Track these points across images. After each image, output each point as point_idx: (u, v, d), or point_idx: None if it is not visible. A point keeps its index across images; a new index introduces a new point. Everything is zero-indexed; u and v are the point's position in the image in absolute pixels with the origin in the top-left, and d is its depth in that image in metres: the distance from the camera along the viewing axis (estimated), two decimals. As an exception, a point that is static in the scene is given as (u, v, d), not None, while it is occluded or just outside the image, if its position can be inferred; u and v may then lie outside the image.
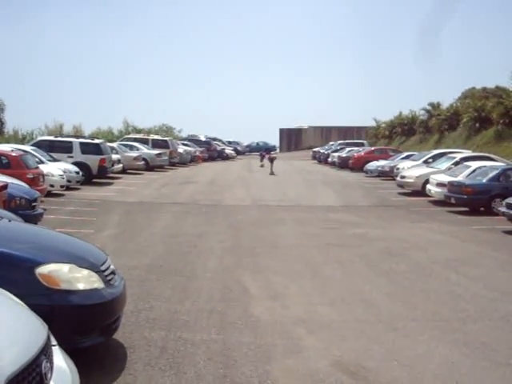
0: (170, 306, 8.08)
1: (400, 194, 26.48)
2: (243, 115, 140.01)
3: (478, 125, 39.56)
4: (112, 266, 6.08)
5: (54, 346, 3.50)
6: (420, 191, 25.10)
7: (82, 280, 5.44)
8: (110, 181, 28.36)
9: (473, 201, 20.05)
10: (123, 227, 15.41)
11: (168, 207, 20.14)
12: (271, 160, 39.60)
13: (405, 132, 56.36)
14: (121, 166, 30.81)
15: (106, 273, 5.81)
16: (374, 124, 65.84)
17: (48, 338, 3.42)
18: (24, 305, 3.89)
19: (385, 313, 8.07)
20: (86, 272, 5.51)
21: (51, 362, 3.30)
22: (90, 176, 26.72)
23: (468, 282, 10.09)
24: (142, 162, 34.50)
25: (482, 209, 20.12)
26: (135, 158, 33.87)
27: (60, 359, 3.53)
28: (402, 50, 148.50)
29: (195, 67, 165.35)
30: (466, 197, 20.01)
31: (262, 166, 43.04)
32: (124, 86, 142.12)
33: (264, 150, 48.19)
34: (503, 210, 16.53)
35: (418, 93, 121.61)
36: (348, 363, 6.06)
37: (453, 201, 20.67)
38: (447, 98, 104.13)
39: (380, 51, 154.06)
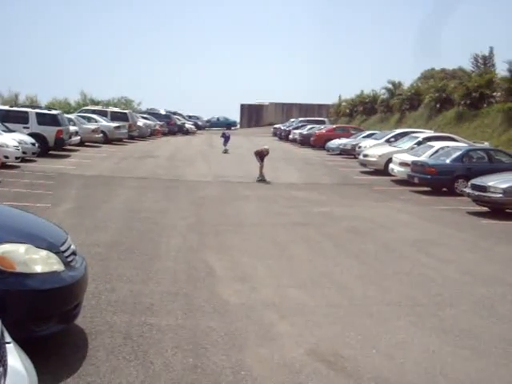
0: (132, 287, 7.61)
1: (362, 172, 26.32)
2: (204, 90, 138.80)
3: (439, 105, 39.68)
4: (73, 246, 5.54)
5: (7, 343, 3.02)
6: (382, 170, 24.97)
7: (40, 262, 4.90)
8: (67, 153, 27.46)
9: (436, 181, 19.97)
10: (81, 202, 14.79)
11: (128, 181, 19.54)
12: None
13: (366, 111, 56.37)
14: (78, 138, 29.84)
15: (66, 254, 5.27)
16: (334, 102, 65.75)
17: (1, 336, 2.95)
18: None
19: (358, 297, 7.77)
20: (44, 253, 4.97)
21: (4, 365, 2.82)
22: (47, 148, 25.78)
23: (439, 264, 9.87)
24: (101, 135, 33.51)
25: (444, 189, 20.06)
26: (93, 131, 32.88)
27: (15, 359, 3.04)
28: (363, 28, 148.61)
29: (155, 39, 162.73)
30: (429, 177, 19.91)
31: (225, 151, 33.85)
32: (81, 56, 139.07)
33: (226, 128, 42.71)
34: (468, 191, 16.44)
35: (380, 72, 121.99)
36: (325, 352, 5.72)
37: (416, 180, 20.56)
38: (408, 79, 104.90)
39: (341, 29, 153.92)
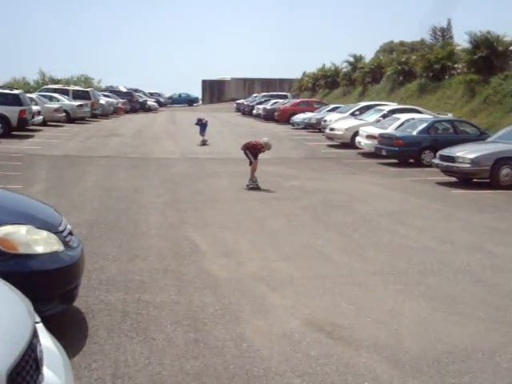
0: (120, 265, 7.61)
1: (329, 146, 26.50)
2: (165, 66, 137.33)
3: (401, 78, 40.00)
4: (69, 226, 5.52)
5: (37, 323, 3.02)
6: (349, 143, 25.18)
7: (42, 242, 4.87)
8: (31, 133, 26.97)
9: (404, 153, 20.23)
10: (53, 182, 14.61)
11: (96, 161, 19.35)
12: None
13: (328, 84, 56.49)
14: (41, 117, 29.29)
15: (64, 234, 5.25)
16: (297, 77, 65.76)
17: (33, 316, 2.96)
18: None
19: (343, 267, 7.90)
20: (44, 234, 4.94)
21: (40, 344, 2.83)
22: (10, 128, 25.29)
23: (417, 234, 10.08)
24: (63, 114, 32.97)
25: (411, 161, 20.36)
26: (56, 110, 32.30)
27: (46, 338, 3.06)
28: (323, 2, 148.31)
29: (112, 16, 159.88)
30: (397, 149, 20.15)
31: (203, 142, 25.06)
32: (37, 34, 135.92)
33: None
34: (437, 161, 16.74)
35: (341, 46, 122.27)
36: (321, 322, 5.83)
37: (383, 153, 20.80)
38: (368, 52, 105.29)
39: (301, 3, 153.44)
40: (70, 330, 5.29)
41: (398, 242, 9.43)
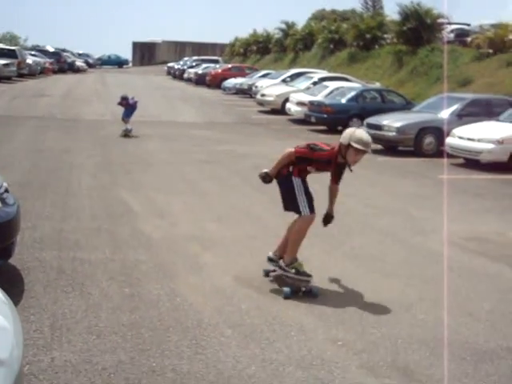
0: (53, 224, 7.67)
1: (260, 112, 26.75)
2: (94, 26, 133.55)
3: (332, 46, 40.45)
4: (5, 184, 5.59)
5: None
6: (280, 110, 25.49)
7: (-22, 199, 4.96)
8: (-47, 91, 26.10)
9: (332, 120, 20.65)
10: (-21, 142, 14.32)
11: (24, 121, 18.95)
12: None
13: (260, 50, 56.46)
14: (-36, 75, 28.34)
15: (1, 191, 5.33)
16: (229, 41, 65.34)
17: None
18: None
19: (271, 228, 8.19)
20: (-19, 190, 5.03)
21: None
22: None
23: (341, 197, 10.35)
24: (-12, 73, 31.99)
25: (340, 128, 20.83)
26: (-20, 68, 31.29)
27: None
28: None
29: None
30: (326, 116, 20.57)
31: (125, 132, 16.78)
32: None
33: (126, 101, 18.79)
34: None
35: (273, 11, 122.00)
36: (250, 278, 6.12)
37: (313, 120, 21.21)
38: (300, 19, 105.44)
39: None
40: (6, 286, 5.34)
41: (324, 205, 9.79)
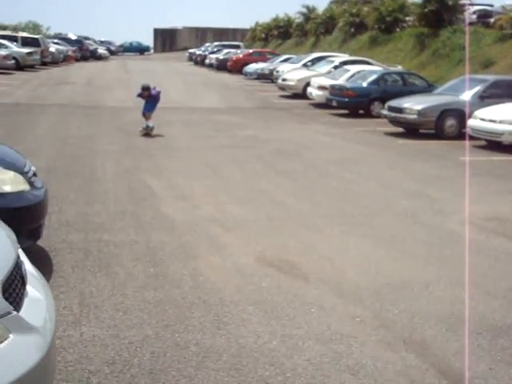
0: (78, 208, 7.89)
1: (281, 96, 26.78)
2: (115, 14, 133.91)
3: (353, 30, 40.23)
4: (33, 168, 5.80)
5: (18, 246, 3.34)
6: (301, 94, 25.50)
7: (9, 182, 5.16)
8: (-21, 80, 26.50)
9: (354, 104, 20.65)
10: (5, 129, 14.54)
11: (48, 109, 19.25)
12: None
13: (281, 35, 56.29)
14: (-11, 64, 28.76)
15: (29, 174, 5.54)
16: (250, 26, 65.23)
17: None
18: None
19: (293, 210, 8.34)
20: (11, 174, 5.23)
21: (24, 265, 3.18)
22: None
23: (362, 180, 10.58)
24: (13, 61, 32.28)
25: (361, 111, 20.84)
26: (5, 57, 31.61)
27: (27, 263, 3.39)
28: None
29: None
30: (347, 100, 20.57)
31: (145, 130, 14.75)
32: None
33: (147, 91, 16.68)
34: (385, 112, 17.26)
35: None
36: (271, 258, 6.27)
37: (334, 103, 21.21)
38: (321, 3, 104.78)
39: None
40: (35, 265, 5.58)
41: (344, 187, 9.92)
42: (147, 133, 14.63)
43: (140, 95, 15.22)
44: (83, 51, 51.81)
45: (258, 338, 4.50)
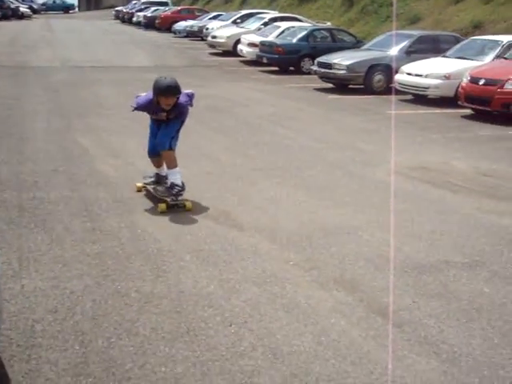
0: (11, 168, 7.80)
1: (211, 54, 26.70)
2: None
3: (282, -14, 40.09)
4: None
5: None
6: (231, 51, 25.46)
7: None
8: None
9: (284, 60, 20.82)
10: None
11: (-30, 69, 18.60)
12: None
13: (209, -8, 55.55)
14: None
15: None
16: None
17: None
18: None
19: (227, 165, 8.49)
20: None
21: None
22: None
23: (294, 134, 10.79)
24: None
25: (291, 68, 21.00)
26: None
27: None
28: None
29: None
30: (277, 56, 20.71)
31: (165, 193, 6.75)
32: None
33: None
34: (315, 68, 17.49)
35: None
36: (207, 209, 6.42)
37: (265, 60, 21.31)
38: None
39: None
40: (-31, 224, 5.58)
41: (277, 141, 10.11)
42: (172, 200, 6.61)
43: (146, 107, 7.19)
44: (4, 9, 49.79)
45: (197, 284, 4.67)
